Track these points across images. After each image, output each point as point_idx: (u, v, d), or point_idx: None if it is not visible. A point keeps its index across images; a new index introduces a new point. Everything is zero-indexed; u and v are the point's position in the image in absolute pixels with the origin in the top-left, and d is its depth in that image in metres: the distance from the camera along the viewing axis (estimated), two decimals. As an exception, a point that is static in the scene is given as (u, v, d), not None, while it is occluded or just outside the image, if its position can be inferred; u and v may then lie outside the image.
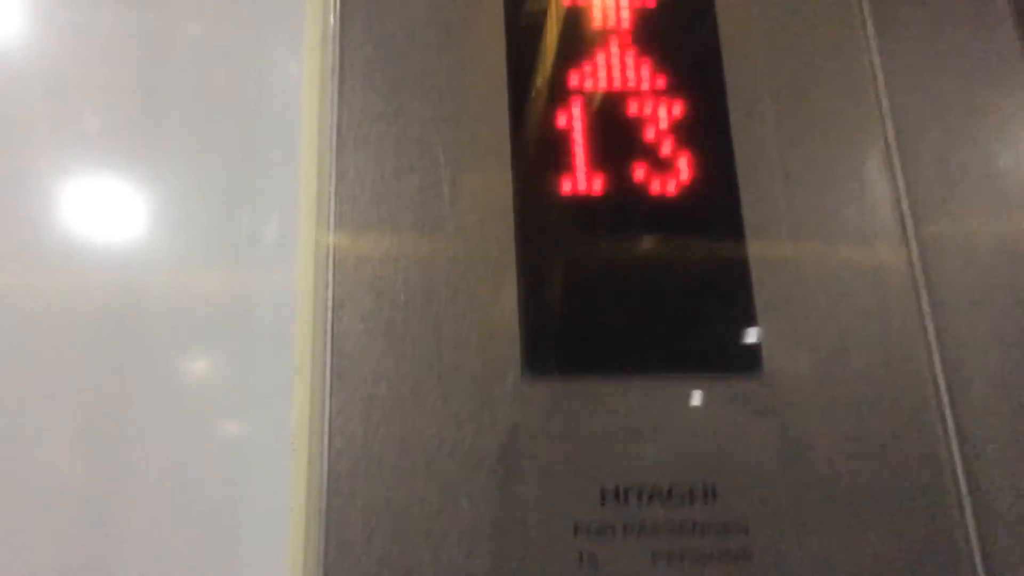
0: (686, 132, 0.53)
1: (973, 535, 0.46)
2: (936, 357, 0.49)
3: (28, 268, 0.54)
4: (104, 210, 0.56)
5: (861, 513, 0.46)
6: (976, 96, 0.55)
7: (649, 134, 0.53)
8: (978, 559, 0.46)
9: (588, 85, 0.54)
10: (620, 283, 0.50)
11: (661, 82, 0.54)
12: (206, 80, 0.59)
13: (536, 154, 0.52)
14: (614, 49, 0.55)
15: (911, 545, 0.46)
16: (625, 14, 0.56)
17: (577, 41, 0.55)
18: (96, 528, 0.49)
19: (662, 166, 0.52)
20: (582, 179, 0.52)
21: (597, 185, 0.52)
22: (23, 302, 0.53)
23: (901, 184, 0.52)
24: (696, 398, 0.48)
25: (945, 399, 0.48)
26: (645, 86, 0.54)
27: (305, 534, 0.44)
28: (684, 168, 0.52)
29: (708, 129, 0.54)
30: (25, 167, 0.56)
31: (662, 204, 0.52)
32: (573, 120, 0.53)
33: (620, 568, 0.44)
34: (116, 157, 0.57)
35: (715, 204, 0.52)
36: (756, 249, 0.51)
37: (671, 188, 0.52)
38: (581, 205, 0.52)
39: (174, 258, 0.55)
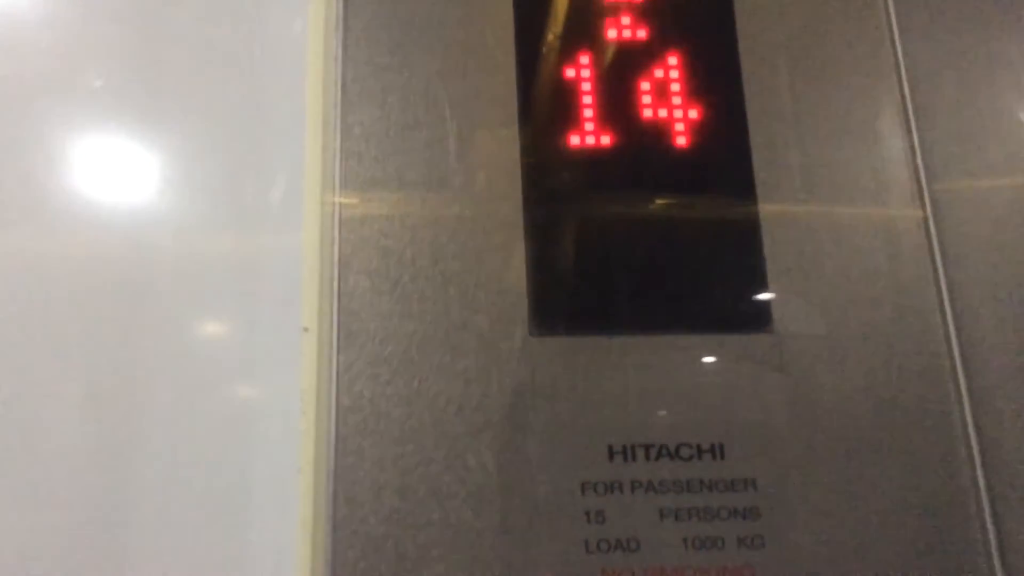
0: (697, 85, 0.52)
1: (984, 491, 0.46)
2: (949, 314, 0.49)
3: (35, 231, 0.54)
4: (110, 171, 0.55)
5: (870, 471, 0.46)
6: (993, 50, 0.54)
7: (659, 88, 0.52)
8: (988, 515, 0.46)
9: (597, 37, 0.53)
10: (629, 239, 0.50)
11: (672, 35, 0.53)
12: (211, 38, 0.59)
13: (544, 108, 0.51)
14: (624, 0, 0.54)
15: (921, 503, 0.46)
16: (636, -35, 0.54)
17: (586, -8, 0.54)
18: (105, 490, 0.49)
19: (672, 121, 0.52)
20: (591, 133, 0.51)
21: (606, 140, 0.51)
22: (30, 264, 0.53)
23: (915, 140, 0.52)
24: (705, 356, 0.48)
25: (957, 356, 0.48)
26: (656, 38, 0.53)
27: (314, 493, 0.44)
28: (694, 123, 0.52)
29: (719, 83, 0.53)
30: (30, 128, 0.56)
31: (672, 159, 0.51)
32: (582, 73, 0.52)
33: (627, 525, 0.45)
34: (121, 117, 0.57)
35: (725, 159, 0.52)
36: (767, 205, 0.50)
37: (681, 143, 0.51)
38: (590, 160, 0.51)
39: (181, 218, 0.55)
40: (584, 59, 0.52)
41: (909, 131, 0.52)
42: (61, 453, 0.50)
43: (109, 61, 0.58)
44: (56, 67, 0.57)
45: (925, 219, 0.50)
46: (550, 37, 0.53)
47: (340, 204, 0.48)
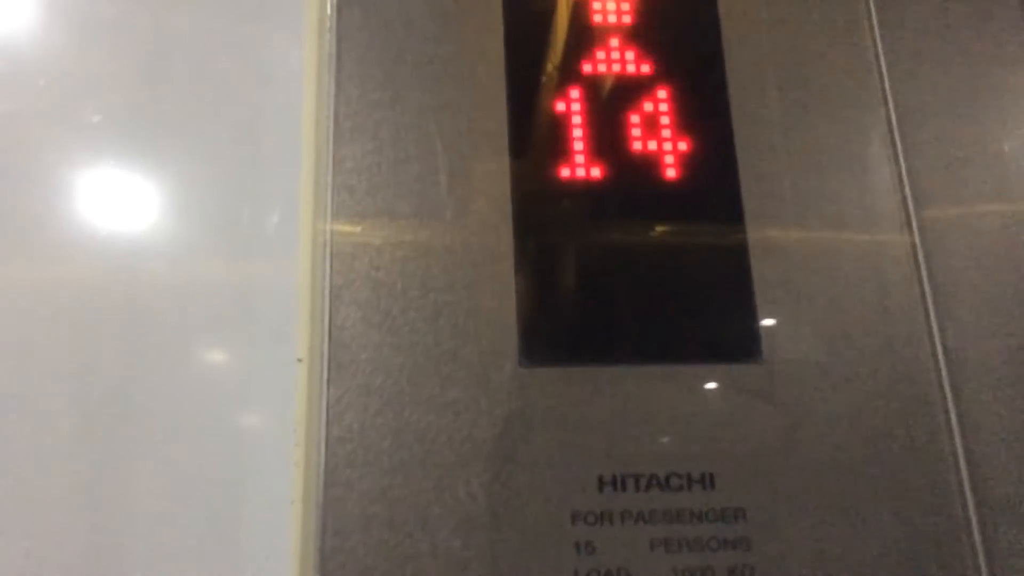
0: (686, 118, 0.53)
1: (974, 522, 0.46)
2: (937, 343, 0.49)
3: (31, 260, 0.54)
4: (107, 202, 0.56)
5: (861, 500, 0.46)
6: (980, 79, 0.54)
7: (649, 120, 0.53)
8: (979, 546, 0.45)
9: (587, 70, 0.54)
10: (619, 271, 0.50)
11: (661, 67, 0.54)
12: (208, 71, 0.60)
13: (535, 141, 0.52)
14: (613, 34, 0.54)
15: (911, 532, 0.46)
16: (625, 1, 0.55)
17: (576, 26, 0.54)
18: (99, 516, 0.49)
19: (662, 153, 0.52)
20: (581, 166, 0.52)
21: (596, 172, 0.51)
22: (26, 293, 0.53)
23: (903, 168, 0.52)
24: (694, 386, 0.48)
25: (946, 385, 0.48)
26: (645, 71, 0.54)
27: (303, 524, 0.44)
28: (684, 154, 0.52)
29: (708, 114, 0.53)
30: (27, 159, 0.56)
31: (662, 191, 0.52)
32: (572, 107, 0.52)
33: (618, 555, 0.44)
34: (118, 148, 0.58)
35: (715, 190, 0.52)
36: (756, 235, 0.51)
37: (671, 174, 0.52)
38: (580, 192, 0.51)
39: (176, 248, 0.55)
40: (574, 93, 0.53)
41: (897, 160, 0.52)
42: (54, 481, 0.50)
43: (107, 96, 0.59)
44: (55, 102, 0.58)
45: (914, 246, 0.51)
46: (541, 71, 0.53)
47: (332, 236, 0.49)
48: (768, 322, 0.49)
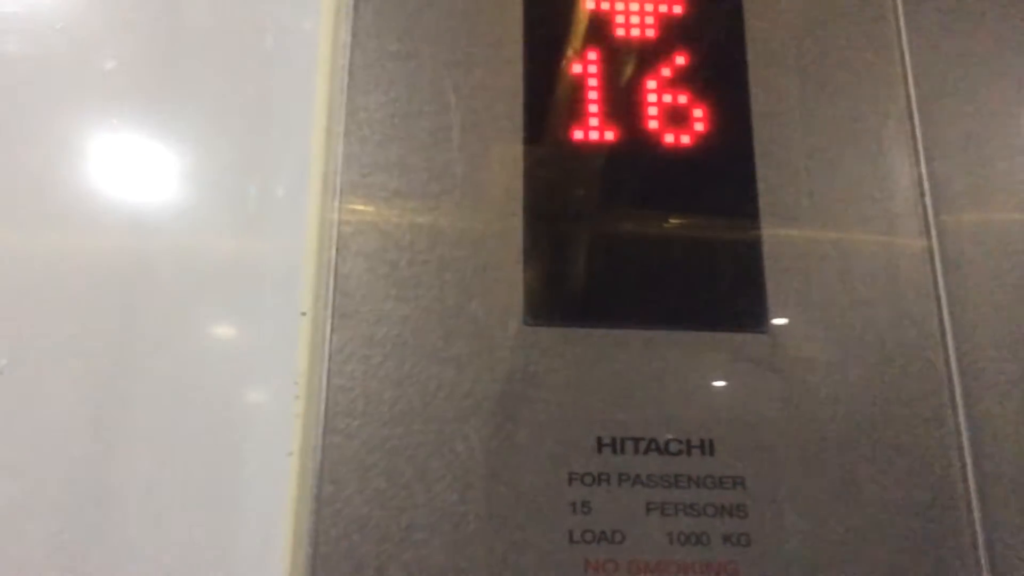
0: (703, 86, 0.52)
1: (974, 500, 0.46)
2: (945, 316, 0.48)
3: (36, 223, 0.54)
4: (116, 158, 0.56)
5: (860, 474, 0.46)
6: (1004, 83, 0.54)
7: (665, 86, 0.52)
8: (978, 522, 0.45)
9: (606, 33, 0.53)
10: (628, 234, 0.50)
11: (680, 32, 0.53)
12: (223, 24, 0.59)
13: (550, 101, 0.52)
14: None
15: (910, 508, 0.46)
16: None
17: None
18: (100, 470, 0.49)
19: (676, 119, 0.52)
20: (595, 128, 0.51)
21: (610, 135, 0.51)
22: (30, 258, 0.53)
23: (923, 170, 0.51)
24: (699, 352, 0.48)
25: (952, 362, 0.48)
26: (664, 36, 0.53)
27: (300, 470, 0.44)
28: (699, 122, 0.52)
29: (726, 83, 0.53)
30: (39, 103, 0.56)
31: (675, 156, 0.51)
32: (588, 68, 0.52)
33: (613, 517, 0.44)
34: (131, 102, 0.57)
35: (728, 160, 0.52)
36: (767, 205, 0.50)
37: (684, 141, 0.51)
38: (593, 154, 0.51)
39: (187, 210, 0.55)
40: (592, 55, 0.52)
41: (917, 157, 0.52)
42: (58, 437, 0.50)
43: (122, 44, 0.58)
44: (70, 48, 0.58)
45: (929, 246, 0.50)
46: (559, 31, 0.53)
47: (341, 187, 0.48)
48: (776, 294, 0.49)
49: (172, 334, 0.52)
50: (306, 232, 0.49)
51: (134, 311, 0.52)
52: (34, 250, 0.53)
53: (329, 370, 0.45)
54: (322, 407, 0.45)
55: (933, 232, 0.50)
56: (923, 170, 0.51)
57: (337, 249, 0.47)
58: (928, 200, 0.51)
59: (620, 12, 0.53)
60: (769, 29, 0.54)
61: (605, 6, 0.54)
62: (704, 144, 0.51)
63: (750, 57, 0.53)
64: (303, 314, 0.48)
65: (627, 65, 0.53)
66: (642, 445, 0.46)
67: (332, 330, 0.46)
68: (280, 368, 0.49)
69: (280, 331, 0.50)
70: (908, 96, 0.53)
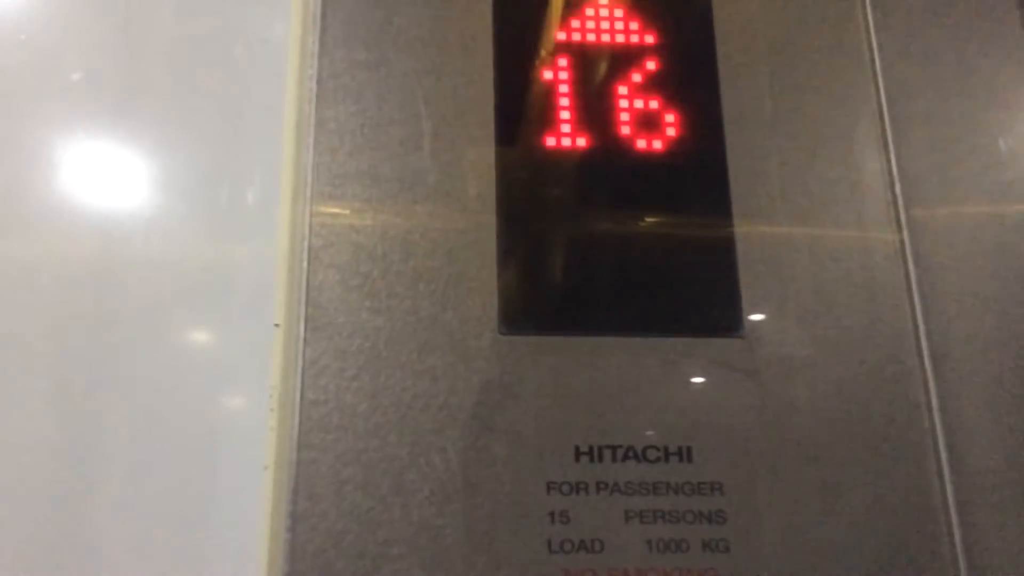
0: (674, 90, 0.52)
1: (952, 502, 0.46)
2: (921, 324, 0.49)
3: (7, 234, 0.53)
4: (85, 169, 0.55)
5: (838, 477, 0.46)
6: (971, 76, 0.54)
7: (636, 91, 0.52)
8: (956, 526, 0.45)
9: (576, 39, 0.53)
10: (601, 241, 0.50)
11: (650, 38, 0.53)
12: (192, 36, 0.59)
13: (521, 109, 0.51)
14: (603, 2, 0.54)
15: (888, 512, 0.46)
16: (616, -31, 0.55)
17: (566, -5, 0.54)
18: (73, 481, 0.49)
19: (648, 124, 0.52)
20: (567, 135, 0.51)
21: (582, 141, 0.51)
22: (2, 268, 0.52)
23: (893, 165, 0.52)
24: (675, 359, 0.47)
25: (928, 367, 0.48)
26: (634, 41, 0.53)
27: (275, 486, 0.44)
28: (671, 128, 0.52)
29: (696, 87, 0.53)
30: (4, 115, 0.55)
31: (647, 162, 0.51)
32: (559, 75, 0.52)
33: (592, 526, 0.44)
34: (98, 112, 0.57)
35: (702, 165, 0.51)
36: (741, 210, 0.50)
37: (657, 146, 0.51)
38: (565, 161, 0.51)
39: (157, 218, 0.54)
40: (562, 61, 0.52)
41: (887, 156, 0.52)
42: (29, 449, 0.49)
43: (88, 55, 0.57)
44: (35, 59, 0.57)
45: (901, 242, 0.50)
46: (529, 38, 0.53)
47: (312, 198, 0.48)
48: (751, 298, 0.49)
49: (144, 343, 0.51)
50: (277, 244, 0.49)
51: (105, 319, 0.52)
52: (4, 258, 0.52)
53: (303, 384, 0.45)
54: (296, 421, 0.44)
55: (904, 229, 0.51)
56: (894, 169, 0.52)
57: (309, 261, 0.47)
58: (900, 198, 0.51)
59: (590, 18, 0.53)
60: (740, 33, 0.54)
61: (575, 12, 0.53)
62: (676, 149, 0.51)
63: (720, 61, 0.53)
64: (276, 326, 0.48)
65: (598, 71, 0.53)
66: (620, 453, 0.45)
67: (305, 343, 0.45)
68: (254, 376, 0.49)
69: (254, 339, 0.50)
70: (878, 96, 0.53)
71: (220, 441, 0.50)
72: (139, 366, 0.51)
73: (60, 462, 0.49)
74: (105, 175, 0.55)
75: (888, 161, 0.52)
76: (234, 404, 0.51)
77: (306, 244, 0.47)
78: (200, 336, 0.53)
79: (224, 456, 0.49)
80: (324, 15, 0.51)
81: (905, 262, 0.50)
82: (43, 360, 0.51)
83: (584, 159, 0.51)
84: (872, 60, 0.54)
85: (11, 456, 0.49)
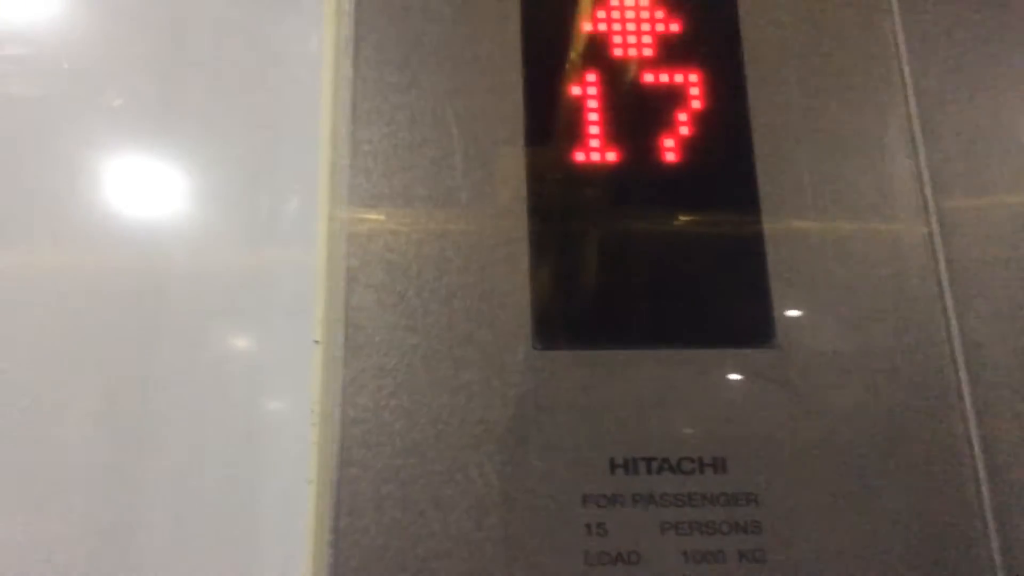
0: (703, 102, 0.53)
1: (988, 508, 0.46)
2: (955, 331, 0.48)
3: (53, 244, 0.55)
4: (128, 188, 0.57)
5: (873, 486, 0.46)
6: (1000, 68, 0.54)
7: (665, 105, 0.53)
8: (993, 533, 0.45)
9: (604, 54, 0.53)
10: (633, 254, 0.50)
11: (678, 51, 0.54)
12: (228, 57, 0.60)
13: (551, 125, 0.52)
14: (630, 16, 0.54)
15: (925, 519, 0.46)
16: (643, -17, 0.55)
17: (593, 10, 0.54)
18: (119, 497, 0.50)
19: (678, 136, 0.52)
20: (596, 150, 0.52)
21: (611, 155, 0.52)
22: (49, 277, 0.54)
23: (922, 157, 0.52)
24: (708, 370, 0.48)
25: (962, 371, 0.48)
26: (662, 55, 0.54)
27: (317, 503, 0.45)
28: (699, 139, 0.52)
29: (725, 99, 0.53)
30: (50, 143, 0.57)
31: (677, 175, 0.52)
32: (588, 90, 0.53)
33: (628, 538, 0.45)
34: (140, 135, 0.58)
35: (730, 175, 0.52)
36: (771, 220, 0.50)
37: (687, 158, 0.52)
38: (595, 175, 0.51)
39: (195, 233, 0.56)
40: (591, 77, 0.53)
41: (916, 148, 0.52)
42: (76, 462, 0.51)
43: (128, 81, 0.59)
44: (77, 87, 0.59)
45: (931, 235, 0.50)
46: (557, 55, 0.53)
47: (348, 219, 0.49)
48: (783, 308, 0.49)
49: (188, 354, 0.53)
50: (316, 264, 0.50)
51: (150, 331, 0.53)
52: (52, 274, 0.54)
53: (343, 402, 0.46)
54: (337, 439, 0.45)
55: (935, 227, 0.50)
56: (923, 171, 0.51)
57: (347, 281, 0.48)
58: (930, 200, 0.51)
59: (617, 32, 0.54)
60: (767, 41, 0.54)
61: (602, 27, 0.54)
62: (705, 159, 0.52)
63: (748, 68, 0.54)
64: (316, 342, 0.49)
65: (626, 83, 0.53)
66: (655, 465, 0.46)
67: (344, 363, 0.46)
68: (297, 385, 0.50)
69: (295, 349, 0.51)
70: (905, 94, 0.53)
71: (264, 452, 0.51)
72: (183, 377, 0.52)
73: (106, 471, 0.51)
74: (147, 192, 0.57)
75: (918, 164, 0.52)
76: (277, 412, 0.52)
77: (344, 264, 0.48)
78: (242, 345, 0.55)
79: (268, 467, 0.50)
80: (357, 39, 0.52)
81: (936, 263, 0.50)
82: (89, 374, 0.52)
83: (615, 173, 0.51)
84: (897, 45, 0.54)
85: (58, 470, 0.50)
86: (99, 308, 0.54)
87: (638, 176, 0.51)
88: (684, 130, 0.52)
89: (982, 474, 0.46)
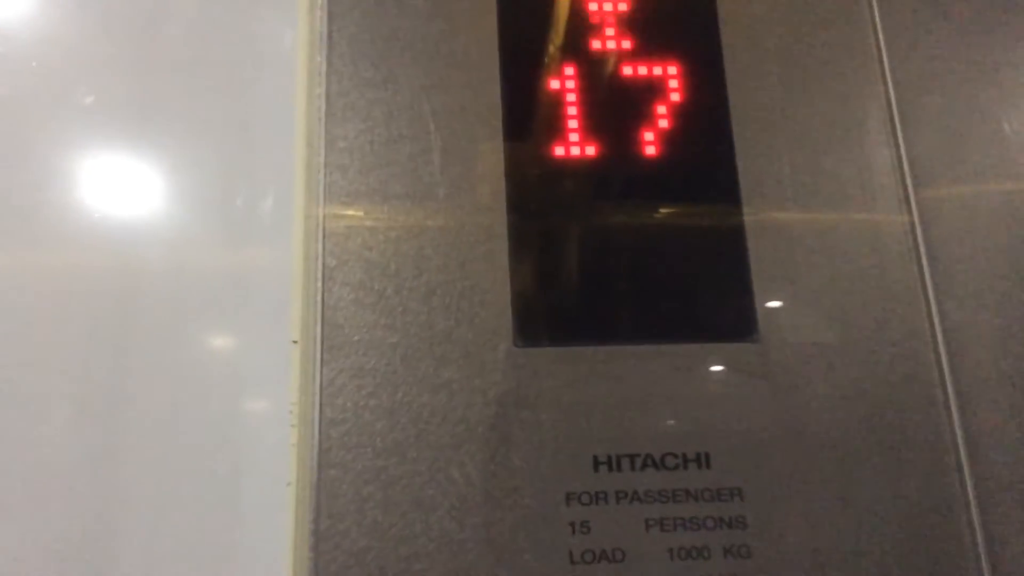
0: (682, 96, 0.52)
1: (972, 499, 0.46)
2: (936, 322, 0.48)
3: (25, 245, 0.54)
4: (100, 186, 0.56)
5: (857, 479, 0.46)
6: (977, 58, 0.54)
7: (644, 98, 0.52)
8: (977, 524, 0.45)
9: (582, 48, 0.53)
10: (613, 249, 0.50)
11: (656, 45, 0.53)
12: (201, 55, 0.59)
13: (529, 120, 0.51)
14: (607, 9, 0.54)
15: (908, 511, 0.46)
16: (619, -25, 0.55)
17: (570, 3, 0.54)
18: (95, 499, 0.49)
19: (657, 129, 0.52)
20: (575, 144, 0.51)
21: (591, 150, 0.51)
22: (21, 278, 0.53)
23: (902, 146, 0.51)
24: (690, 365, 0.47)
25: (945, 364, 0.48)
26: (639, 47, 0.53)
27: (297, 505, 0.44)
28: (679, 132, 0.52)
29: (704, 92, 0.53)
30: (20, 141, 0.56)
31: (657, 168, 0.51)
32: (566, 84, 0.52)
33: (613, 535, 0.44)
34: (112, 133, 0.57)
35: (710, 167, 0.52)
36: (752, 213, 0.50)
37: (666, 152, 0.51)
38: (575, 170, 0.51)
39: (170, 232, 0.55)
40: (569, 70, 0.52)
41: (895, 138, 0.52)
42: (51, 464, 0.50)
43: (100, 77, 0.58)
44: (48, 84, 0.58)
45: (912, 225, 0.50)
46: (534, 49, 0.53)
47: (324, 217, 0.48)
48: (764, 301, 0.49)
49: (164, 352, 0.52)
50: (291, 263, 0.49)
51: (125, 330, 0.52)
52: (26, 272, 0.53)
53: (321, 403, 0.45)
54: (316, 440, 0.45)
55: (916, 217, 0.50)
56: (901, 147, 0.51)
57: (323, 280, 0.47)
58: (911, 190, 0.51)
59: (595, 24, 0.53)
60: (746, 33, 0.54)
61: (580, 20, 0.53)
62: (685, 152, 0.51)
63: (727, 61, 0.53)
64: (294, 342, 0.48)
65: (604, 77, 0.53)
66: (638, 461, 0.46)
67: (322, 363, 0.46)
68: (275, 384, 0.49)
69: (273, 348, 0.50)
70: (885, 80, 0.53)
71: (243, 452, 0.50)
72: (159, 378, 0.51)
73: (82, 475, 0.50)
74: (121, 190, 0.56)
75: (898, 154, 0.52)
76: (256, 413, 0.51)
77: (320, 263, 0.47)
78: (219, 344, 0.54)
79: (247, 470, 0.50)
80: (330, 34, 0.51)
81: (917, 253, 0.50)
82: (64, 372, 0.51)
83: (593, 168, 0.51)
84: (876, 35, 0.54)
85: (34, 468, 0.50)
86: (74, 309, 0.53)
87: (618, 170, 0.51)
88: (663, 123, 0.52)
89: (965, 465, 0.46)
